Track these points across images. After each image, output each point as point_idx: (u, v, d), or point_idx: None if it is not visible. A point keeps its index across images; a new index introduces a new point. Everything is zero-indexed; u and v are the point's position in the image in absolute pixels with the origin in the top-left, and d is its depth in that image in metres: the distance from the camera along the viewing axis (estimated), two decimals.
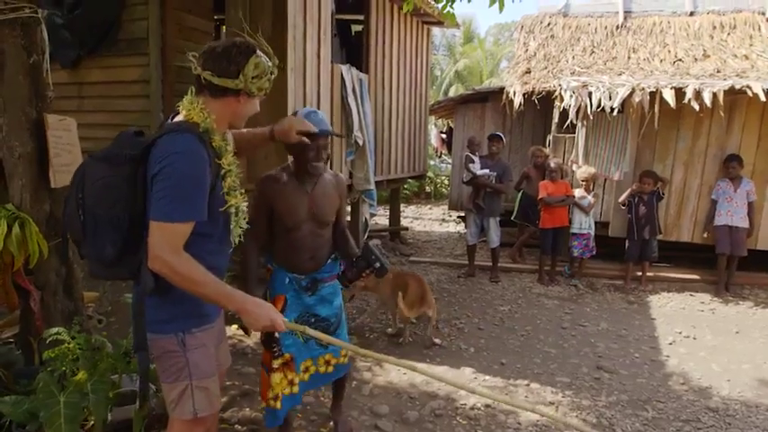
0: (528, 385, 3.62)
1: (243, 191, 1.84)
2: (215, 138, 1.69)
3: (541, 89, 6.89)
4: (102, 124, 5.27)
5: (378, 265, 2.39)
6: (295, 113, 2.35)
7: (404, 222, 9.86)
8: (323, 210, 2.46)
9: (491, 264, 6.38)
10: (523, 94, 6.96)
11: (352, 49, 6.84)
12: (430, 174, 14.67)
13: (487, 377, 3.74)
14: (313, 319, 2.51)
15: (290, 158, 2.47)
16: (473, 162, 6.12)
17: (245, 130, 2.06)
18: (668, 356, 4.17)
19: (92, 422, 2.34)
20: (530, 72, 7.38)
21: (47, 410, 2.08)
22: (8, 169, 2.57)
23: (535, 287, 6.03)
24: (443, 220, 11.06)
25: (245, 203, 1.90)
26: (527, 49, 7.99)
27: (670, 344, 4.44)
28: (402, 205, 12.58)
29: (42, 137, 2.56)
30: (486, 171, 6.03)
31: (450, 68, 22.53)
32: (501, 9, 3.13)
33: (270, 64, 1.75)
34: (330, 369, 2.64)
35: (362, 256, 2.43)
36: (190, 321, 1.75)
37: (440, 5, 3.32)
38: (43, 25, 2.53)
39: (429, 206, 13.23)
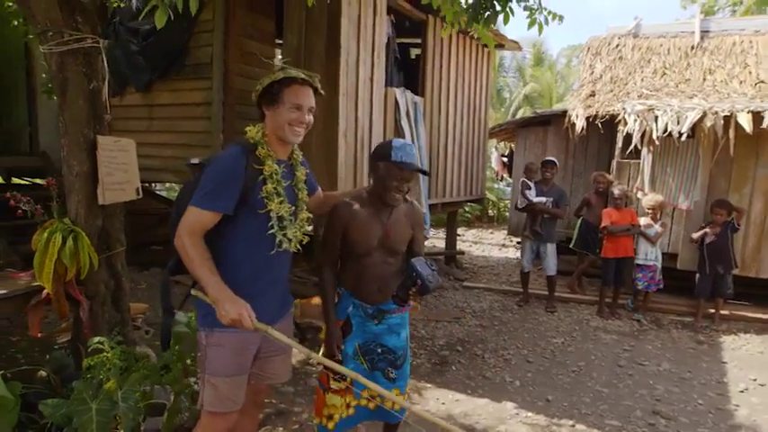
0: (573, 426, 3.40)
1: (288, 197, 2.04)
2: (260, 149, 1.97)
3: (605, 113, 6.60)
4: (168, 144, 5.59)
5: (419, 282, 2.28)
6: (389, 143, 2.33)
7: (463, 246, 9.69)
8: (396, 239, 2.42)
9: (547, 292, 6.13)
10: (587, 118, 6.70)
11: (409, 71, 6.88)
12: (492, 197, 14.40)
13: (530, 413, 3.55)
14: (380, 349, 2.46)
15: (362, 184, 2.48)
16: (529, 189, 5.95)
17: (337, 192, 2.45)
18: (737, 406, 3.79)
19: (122, 431, 2.43)
20: (594, 95, 7.09)
21: (79, 416, 2.18)
22: (67, 186, 2.77)
23: (593, 320, 5.70)
24: (503, 245, 10.78)
25: (308, 215, 2.15)
26: (592, 72, 7.71)
27: (741, 392, 4.04)
28: (463, 229, 12.42)
29: None
30: (542, 199, 5.83)
31: (518, 91, 22.14)
32: (540, 32, 3.14)
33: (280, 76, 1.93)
34: (396, 407, 2.49)
35: (407, 275, 2.37)
36: (215, 321, 1.90)
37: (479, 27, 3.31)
38: (103, 54, 2.73)
39: (491, 230, 12.97)
